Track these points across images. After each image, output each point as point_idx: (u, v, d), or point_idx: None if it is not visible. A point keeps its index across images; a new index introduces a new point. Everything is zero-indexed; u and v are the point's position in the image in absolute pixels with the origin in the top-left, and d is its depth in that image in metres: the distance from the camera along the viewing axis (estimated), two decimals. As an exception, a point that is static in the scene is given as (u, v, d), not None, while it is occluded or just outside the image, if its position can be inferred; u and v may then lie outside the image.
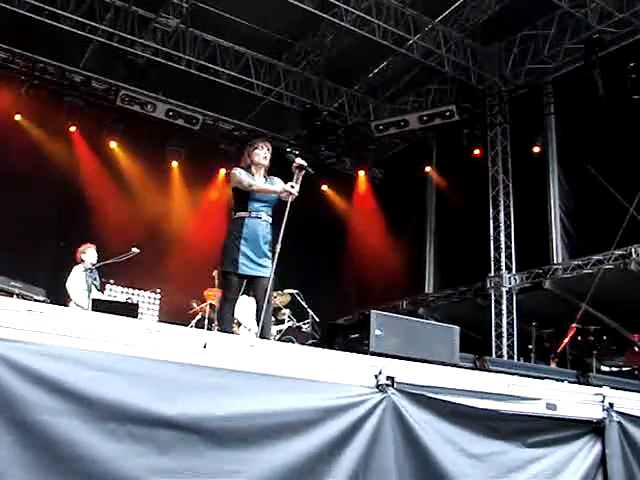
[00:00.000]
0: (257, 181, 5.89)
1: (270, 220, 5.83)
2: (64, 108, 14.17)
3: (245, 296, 9.70)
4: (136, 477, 2.88)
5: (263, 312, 5.59)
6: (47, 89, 14.10)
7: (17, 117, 13.74)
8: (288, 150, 5.91)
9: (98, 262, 9.31)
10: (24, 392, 2.72)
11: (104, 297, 9.13)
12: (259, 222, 5.77)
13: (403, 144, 17.12)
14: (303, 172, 5.75)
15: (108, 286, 11.23)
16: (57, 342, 2.86)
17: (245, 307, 9.63)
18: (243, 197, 5.87)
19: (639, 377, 9.43)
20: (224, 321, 5.93)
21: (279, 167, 6.15)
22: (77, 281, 9.09)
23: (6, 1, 11.80)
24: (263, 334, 5.57)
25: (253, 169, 5.97)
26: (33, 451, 2.70)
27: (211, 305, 10.54)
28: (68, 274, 9.21)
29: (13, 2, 11.89)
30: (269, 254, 5.74)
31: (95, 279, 9.17)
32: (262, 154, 5.98)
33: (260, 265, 5.67)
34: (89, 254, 9.27)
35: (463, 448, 3.92)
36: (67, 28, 12.44)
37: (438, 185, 16.42)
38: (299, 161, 5.75)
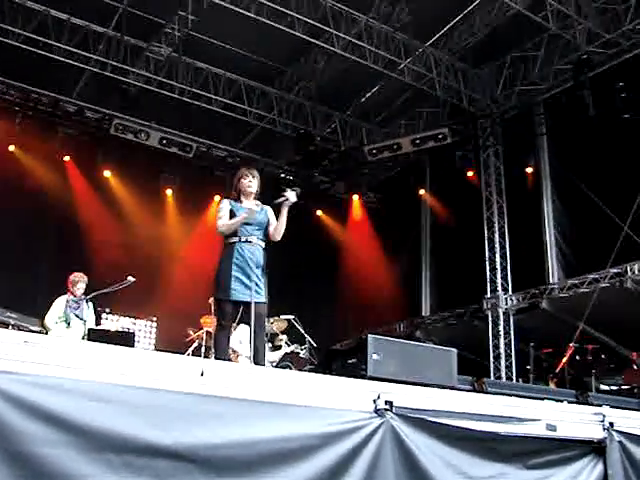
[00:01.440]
0: (242, 213, 5.83)
1: (263, 245, 5.76)
2: (58, 138, 14.22)
3: (243, 325, 9.63)
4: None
5: (253, 336, 5.51)
6: (41, 119, 14.13)
7: (11, 148, 13.77)
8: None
9: (95, 291, 9.06)
10: (20, 424, 2.70)
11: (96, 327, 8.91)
12: (250, 246, 5.69)
13: (397, 167, 17.14)
14: (287, 207, 5.80)
15: (104, 315, 11.11)
16: (53, 373, 2.85)
17: (244, 337, 9.54)
18: None
19: (638, 395, 9.41)
20: (220, 349, 5.88)
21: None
22: (53, 312, 8.62)
23: (0, 33, 11.89)
24: (256, 360, 5.53)
25: (242, 197, 5.98)
26: (30, 484, 2.68)
27: (208, 332, 10.48)
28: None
29: (7, 34, 11.98)
30: (262, 279, 5.69)
31: (77, 309, 8.68)
32: (246, 182, 5.96)
33: (252, 290, 5.55)
34: (77, 285, 8.81)
35: (463, 471, 3.90)
36: (60, 59, 12.52)
37: (432, 207, 16.46)
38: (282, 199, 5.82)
